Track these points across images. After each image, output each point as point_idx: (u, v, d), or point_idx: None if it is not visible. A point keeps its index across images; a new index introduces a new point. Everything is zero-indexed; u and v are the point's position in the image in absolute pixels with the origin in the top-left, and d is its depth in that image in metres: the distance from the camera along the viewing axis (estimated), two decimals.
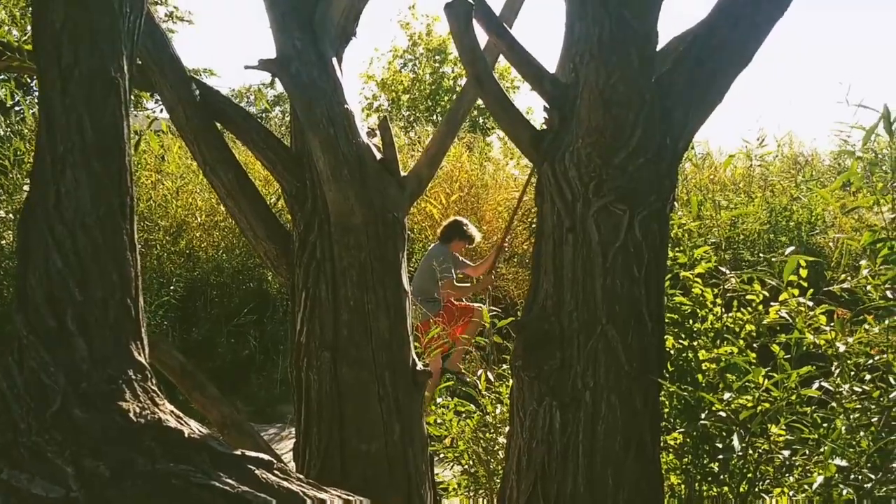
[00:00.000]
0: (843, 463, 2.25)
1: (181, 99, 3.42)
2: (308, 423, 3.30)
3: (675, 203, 3.03)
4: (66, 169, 2.04)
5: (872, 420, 2.40)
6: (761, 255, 8.19)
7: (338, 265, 3.34)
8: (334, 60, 3.56)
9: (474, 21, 2.99)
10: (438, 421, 3.61)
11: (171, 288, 7.76)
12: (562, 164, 2.85)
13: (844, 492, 2.26)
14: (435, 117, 15.44)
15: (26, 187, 6.39)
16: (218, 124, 3.62)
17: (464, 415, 3.68)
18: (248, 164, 6.15)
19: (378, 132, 3.58)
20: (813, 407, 2.73)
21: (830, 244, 7.89)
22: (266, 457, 2.15)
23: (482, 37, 3.11)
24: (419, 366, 3.34)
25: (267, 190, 7.77)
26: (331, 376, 3.27)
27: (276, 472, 2.12)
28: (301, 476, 2.20)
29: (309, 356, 3.33)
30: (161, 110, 4.56)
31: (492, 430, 3.54)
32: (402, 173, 3.55)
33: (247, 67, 3.77)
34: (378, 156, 3.47)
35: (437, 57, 17.26)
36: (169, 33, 3.84)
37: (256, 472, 2.07)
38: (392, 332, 3.31)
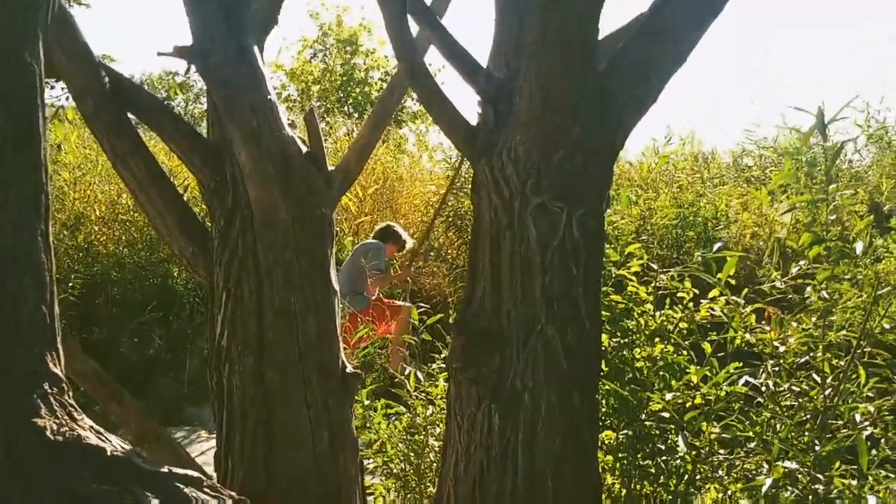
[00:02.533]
0: (793, 465, 2.29)
1: (90, 87, 3.17)
2: (230, 429, 3.13)
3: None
4: None
5: (806, 418, 2.46)
6: (670, 249, 8.46)
7: (262, 263, 3.18)
8: (256, 50, 3.39)
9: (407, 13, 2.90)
10: (368, 425, 3.50)
11: (70, 285, 7.31)
12: (499, 161, 2.79)
13: (791, 493, 2.31)
14: (347, 108, 15.22)
15: None
16: (129, 114, 3.38)
17: (392, 416, 3.58)
18: None
19: (303, 123, 3.43)
20: (740, 403, 2.79)
21: (735, 239, 8.21)
22: (195, 473, 2.00)
23: (413, 28, 3.01)
24: (349, 368, 3.22)
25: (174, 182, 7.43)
26: (255, 381, 3.11)
27: (206, 489, 1.98)
28: (233, 493, 2.06)
29: (230, 360, 3.16)
30: (66, 97, 4.25)
31: (422, 432, 3.46)
32: (329, 167, 3.41)
33: (160, 54, 3.54)
34: (304, 149, 3.32)
35: (347, 48, 17.00)
36: None
37: (185, 490, 1.92)
38: (320, 334, 3.18)
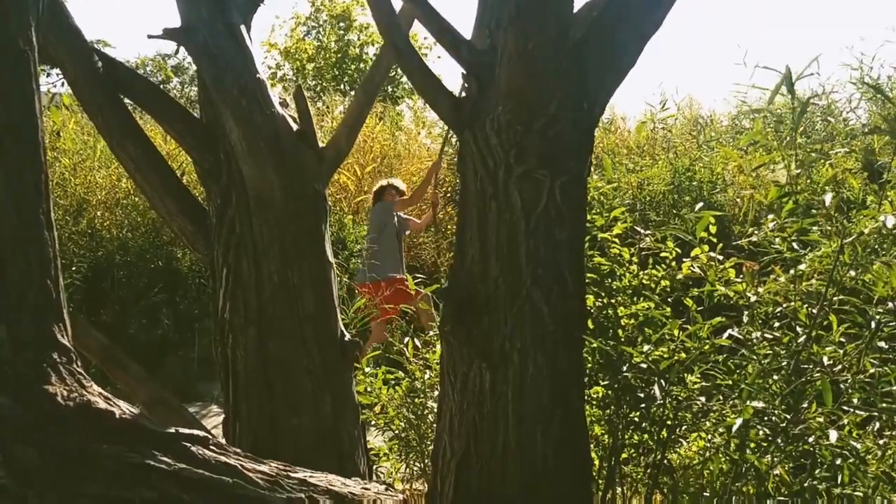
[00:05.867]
0: (759, 405, 2.41)
1: (84, 72, 3.27)
2: (236, 399, 3.27)
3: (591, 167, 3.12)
4: None
5: (783, 364, 2.57)
6: (666, 215, 8.54)
7: (259, 240, 3.29)
8: (243, 28, 3.47)
9: None
10: (368, 389, 3.63)
11: (74, 269, 7.44)
12: (482, 132, 2.88)
13: (760, 432, 2.43)
14: (343, 86, 15.22)
15: None
16: (123, 97, 3.48)
17: (392, 382, 3.71)
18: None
19: (293, 102, 3.52)
20: (724, 355, 2.90)
21: (732, 202, 8.29)
22: (200, 433, 2.13)
23: (397, 3, 3.09)
24: (347, 337, 3.35)
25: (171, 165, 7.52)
26: (257, 352, 3.24)
27: (211, 447, 2.10)
28: (238, 450, 2.19)
29: (234, 332, 3.29)
30: (62, 84, 4.34)
31: (421, 395, 3.59)
32: (320, 144, 3.51)
33: (150, 37, 3.63)
34: (294, 127, 3.42)
35: (341, 24, 16.96)
36: None
37: (192, 448, 2.05)
38: (318, 306, 3.30)
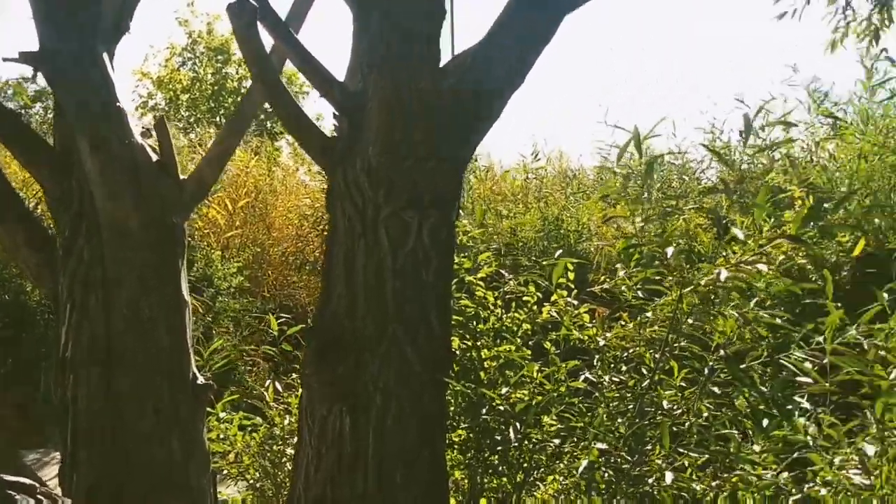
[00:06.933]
0: (604, 446, 2.49)
1: None
2: (75, 442, 3.06)
3: (461, 211, 3.18)
4: None
5: (629, 407, 2.68)
6: (537, 261, 8.80)
7: (109, 272, 3.12)
8: (105, 56, 3.33)
9: (259, 24, 2.94)
10: (221, 436, 3.47)
11: None
12: (353, 172, 2.88)
13: (606, 474, 2.50)
14: (218, 119, 14.86)
15: None
16: None
17: (249, 428, 3.57)
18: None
19: (154, 132, 3.40)
20: (580, 398, 2.99)
21: (596, 250, 8.66)
22: (27, 481, 1.97)
23: (269, 39, 3.06)
24: (200, 379, 3.20)
25: (25, 193, 7.06)
26: (102, 391, 3.05)
27: (40, 495, 1.95)
28: (68, 500, 2.04)
29: (76, 370, 3.08)
30: None
31: (279, 442, 3.47)
32: (182, 176, 3.39)
33: (5, 60, 3.42)
34: (154, 157, 3.29)
35: (219, 57, 16.62)
36: None
37: (17, 497, 1.89)
38: (171, 343, 3.16)
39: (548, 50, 2.97)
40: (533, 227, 9.08)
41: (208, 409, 3.39)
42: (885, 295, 2.59)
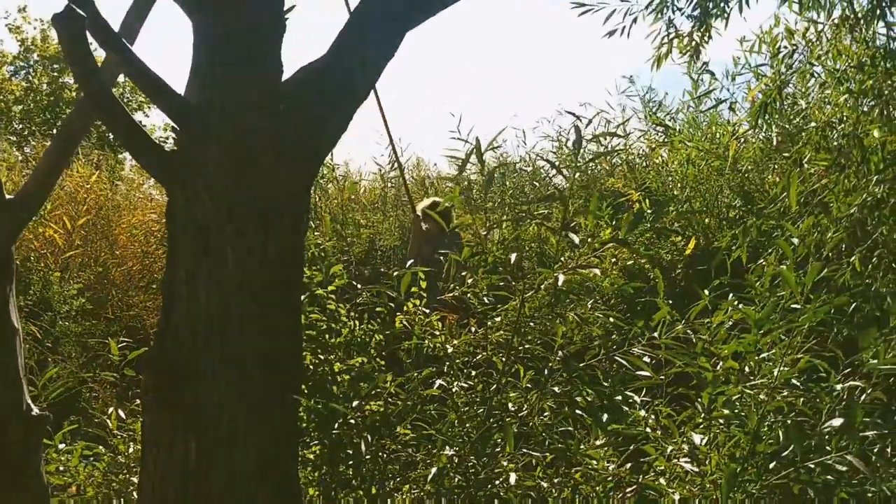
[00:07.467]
0: (451, 452, 2.54)
1: None
2: None
3: (312, 223, 3.15)
4: None
5: (479, 411, 2.75)
6: (395, 269, 8.86)
7: None
8: None
9: (88, 34, 2.78)
10: (61, 469, 3.25)
11: None
12: (193, 187, 2.78)
13: (456, 479, 2.56)
14: (54, 132, 13.93)
15: None
16: None
17: (91, 458, 3.37)
18: None
19: None
20: (434, 405, 3.03)
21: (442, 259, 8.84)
22: None
23: (99, 51, 2.91)
24: (35, 411, 2.98)
25: None
26: None
27: None
28: None
29: None
30: None
31: (125, 471, 3.29)
32: (8, 195, 3.15)
33: None
34: None
35: (54, 66, 15.59)
36: None
37: None
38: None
39: (400, 56, 3.01)
40: (391, 236, 9.12)
41: (45, 440, 3.16)
42: (706, 293, 2.81)
